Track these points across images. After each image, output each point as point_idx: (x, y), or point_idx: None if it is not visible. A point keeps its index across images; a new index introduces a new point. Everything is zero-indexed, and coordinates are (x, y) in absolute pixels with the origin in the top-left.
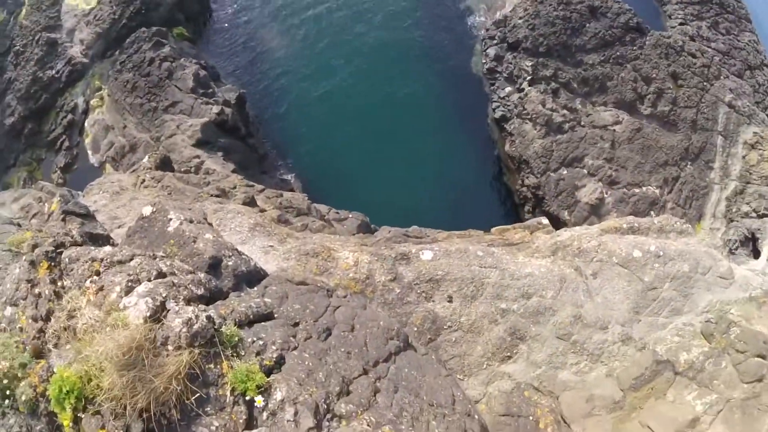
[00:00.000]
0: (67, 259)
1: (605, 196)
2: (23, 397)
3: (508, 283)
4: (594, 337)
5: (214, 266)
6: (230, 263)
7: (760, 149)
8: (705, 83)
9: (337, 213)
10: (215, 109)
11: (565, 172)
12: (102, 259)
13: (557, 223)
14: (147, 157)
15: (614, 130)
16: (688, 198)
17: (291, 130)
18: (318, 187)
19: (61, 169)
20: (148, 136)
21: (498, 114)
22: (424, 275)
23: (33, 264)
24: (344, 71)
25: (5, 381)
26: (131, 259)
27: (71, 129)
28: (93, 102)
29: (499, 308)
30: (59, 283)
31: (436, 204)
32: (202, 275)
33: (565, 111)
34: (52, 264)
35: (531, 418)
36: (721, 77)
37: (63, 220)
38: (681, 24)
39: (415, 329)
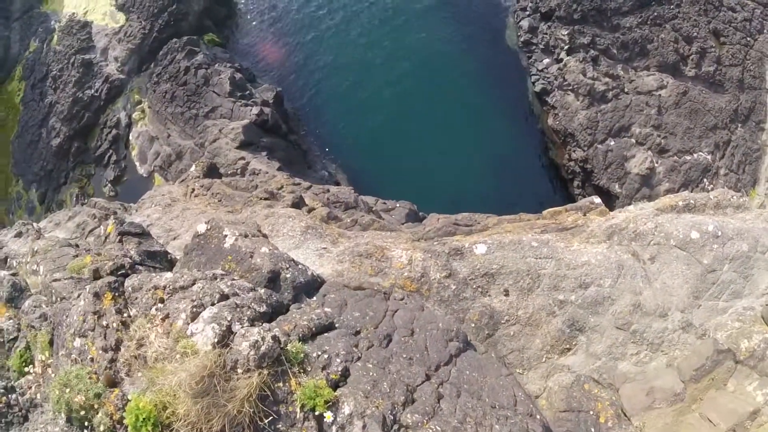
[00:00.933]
0: (130, 288)
1: (656, 165)
2: (101, 427)
3: (565, 274)
4: (654, 325)
5: (273, 279)
6: (288, 275)
7: None
8: (748, 38)
9: (384, 203)
10: (254, 110)
11: (612, 142)
12: (165, 287)
13: (608, 197)
14: (194, 166)
15: (660, 95)
16: (740, 162)
17: (331, 123)
18: (363, 177)
19: (111, 182)
20: (192, 142)
21: (538, 87)
22: (479, 270)
23: (97, 295)
24: (379, 59)
25: (82, 412)
26: (193, 284)
27: (117, 143)
28: (135, 115)
29: (557, 300)
30: (125, 313)
31: (483, 185)
32: (262, 291)
33: (607, 78)
34: (116, 294)
35: (591, 412)
36: (765, 31)
37: (120, 241)
38: None
39: (473, 325)
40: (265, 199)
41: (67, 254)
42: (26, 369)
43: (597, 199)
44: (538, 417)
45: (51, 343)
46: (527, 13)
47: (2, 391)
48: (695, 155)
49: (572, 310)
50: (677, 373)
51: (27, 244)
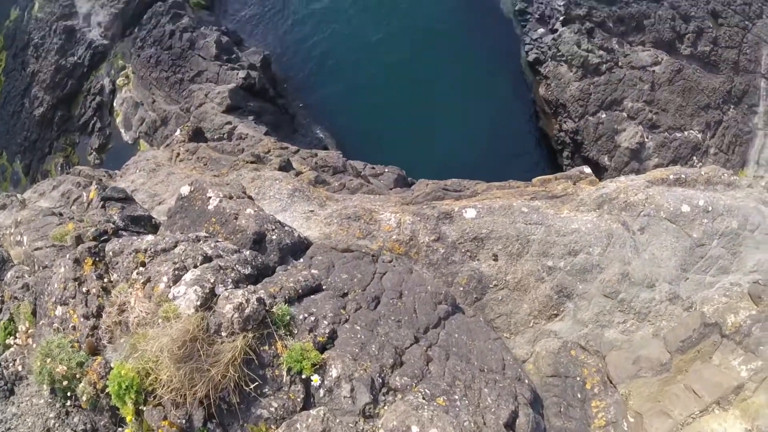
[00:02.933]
0: (111, 253)
1: (646, 140)
2: (84, 396)
3: (554, 240)
4: (641, 295)
5: (258, 241)
6: (274, 237)
7: None
8: (746, 22)
9: (373, 168)
10: (241, 73)
11: (603, 115)
12: (146, 250)
13: (597, 169)
14: (179, 130)
15: (653, 71)
16: (731, 143)
17: (320, 88)
18: (352, 143)
19: (96, 150)
20: (178, 107)
21: (531, 57)
22: (468, 234)
23: (78, 261)
24: (369, 25)
25: (65, 382)
26: (175, 246)
27: (101, 110)
28: (119, 81)
29: (546, 266)
30: (106, 278)
31: (473, 152)
32: (247, 253)
33: (601, 51)
34: (97, 259)
35: (578, 378)
36: (764, 16)
37: (103, 207)
38: None
39: (461, 289)
40: (252, 162)
41: (51, 223)
42: (8, 341)
43: (587, 169)
44: (526, 381)
45: (34, 313)
46: None
47: None
48: (686, 133)
49: (561, 277)
50: (663, 344)
51: (11, 216)
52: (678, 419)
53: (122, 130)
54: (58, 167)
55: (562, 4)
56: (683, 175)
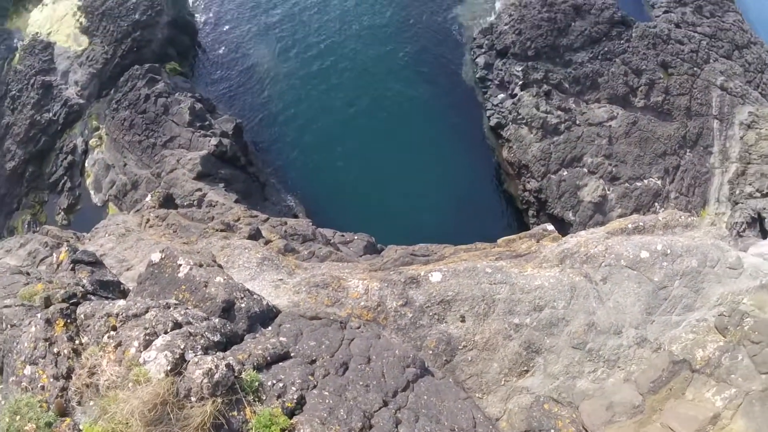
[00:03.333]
0: (82, 315)
1: (608, 192)
2: None
3: (519, 298)
4: (609, 342)
5: (227, 309)
6: (243, 305)
7: (756, 128)
8: (695, 68)
9: (343, 236)
10: (213, 140)
11: (565, 172)
12: (117, 314)
13: (563, 225)
14: (150, 195)
15: (610, 126)
16: (690, 186)
17: (289, 155)
18: (321, 210)
19: (64, 210)
20: (149, 172)
21: (493, 121)
22: (434, 297)
23: (49, 322)
24: (337, 90)
25: None
26: (146, 312)
27: (72, 170)
28: (92, 142)
29: (512, 323)
30: (77, 340)
31: (440, 216)
32: (216, 321)
33: (559, 112)
34: (68, 321)
35: (552, 431)
36: (711, 60)
37: (73, 269)
38: (665, 12)
39: (431, 352)
40: (222, 230)
41: (18, 282)
42: None
43: (550, 226)
44: None
45: (0, 371)
46: (483, 50)
47: None
48: (646, 181)
49: (528, 333)
50: (635, 387)
51: None
52: None
53: (92, 192)
54: (25, 224)
55: (520, 69)
56: (641, 223)
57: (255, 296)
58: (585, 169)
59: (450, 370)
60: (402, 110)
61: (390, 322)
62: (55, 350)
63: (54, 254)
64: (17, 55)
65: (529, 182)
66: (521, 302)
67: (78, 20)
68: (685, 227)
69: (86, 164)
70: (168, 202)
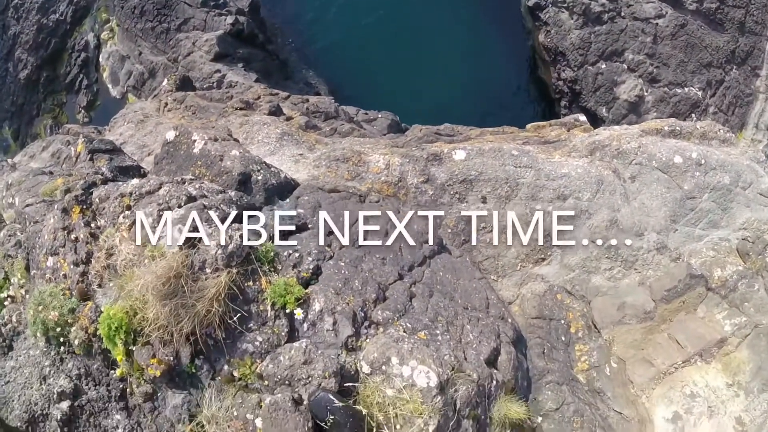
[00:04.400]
0: (97, 199)
1: (645, 94)
2: (77, 341)
3: (544, 184)
4: (629, 243)
5: (244, 182)
6: (260, 177)
7: None
8: None
9: (366, 113)
10: (229, 19)
11: (603, 65)
12: (131, 193)
13: (595, 120)
14: (166, 80)
15: (657, 24)
16: (731, 104)
17: (311, 33)
18: (345, 89)
19: (84, 108)
20: (165, 58)
21: (531, 2)
22: (457, 176)
23: (65, 211)
24: None
25: (58, 329)
26: (160, 188)
27: (87, 67)
28: (103, 35)
29: (534, 209)
30: (93, 224)
31: (468, 99)
32: (232, 193)
33: (604, 0)
34: (84, 207)
35: (563, 321)
36: None
37: (91, 159)
38: None
39: (450, 231)
40: (241, 109)
41: (41, 182)
42: (2, 295)
43: (582, 117)
44: (509, 320)
45: (27, 268)
46: None
47: None
48: (686, 89)
49: (549, 221)
50: (649, 292)
51: (2, 180)
52: (660, 368)
53: (110, 86)
54: (47, 129)
55: None
56: (678, 128)
57: (272, 168)
58: (625, 65)
59: (467, 249)
60: None
61: (410, 198)
62: (73, 237)
63: (72, 147)
64: None
65: (564, 71)
66: (545, 189)
67: None
68: (722, 142)
69: (100, 59)
70: (185, 84)
